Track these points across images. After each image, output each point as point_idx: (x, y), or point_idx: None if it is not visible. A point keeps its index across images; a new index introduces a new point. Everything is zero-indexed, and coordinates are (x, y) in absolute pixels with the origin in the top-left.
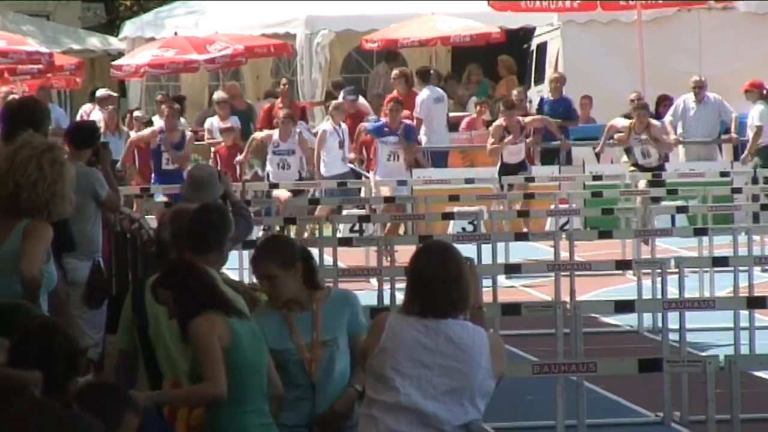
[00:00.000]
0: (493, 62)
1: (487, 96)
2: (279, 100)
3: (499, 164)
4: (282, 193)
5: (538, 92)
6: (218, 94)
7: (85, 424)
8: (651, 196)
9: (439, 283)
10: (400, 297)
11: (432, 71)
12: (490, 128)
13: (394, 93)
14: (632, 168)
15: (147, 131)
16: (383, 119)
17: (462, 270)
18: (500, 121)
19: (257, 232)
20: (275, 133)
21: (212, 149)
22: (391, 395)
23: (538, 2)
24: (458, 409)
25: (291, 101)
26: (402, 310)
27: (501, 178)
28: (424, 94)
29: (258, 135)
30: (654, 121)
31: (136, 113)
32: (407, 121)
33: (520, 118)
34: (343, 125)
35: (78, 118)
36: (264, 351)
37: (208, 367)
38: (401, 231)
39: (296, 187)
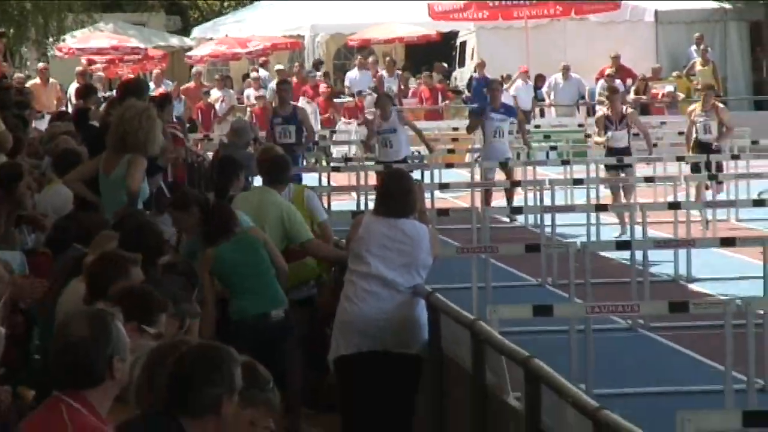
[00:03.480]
0: (431, 54)
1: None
2: (295, 77)
3: (605, 150)
4: None
5: (460, 73)
6: (253, 74)
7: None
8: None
9: (397, 195)
10: (370, 204)
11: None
12: (595, 119)
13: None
14: (693, 147)
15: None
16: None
17: (412, 187)
18: (603, 111)
19: None
20: (377, 117)
21: (249, 109)
22: (365, 267)
23: (460, 14)
24: (408, 276)
25: (304, 78)
26: (373, 212)
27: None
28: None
29: None
30: (721, 104)
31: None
32: (506, 102)
33: (625, 107)
34: None
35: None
36: (256, 252)
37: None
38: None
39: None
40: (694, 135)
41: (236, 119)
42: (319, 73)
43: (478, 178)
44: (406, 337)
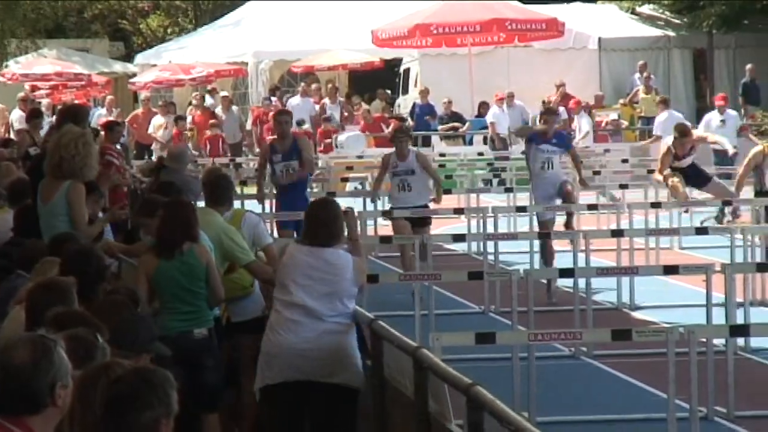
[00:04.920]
0: (374, 81)
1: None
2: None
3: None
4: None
5: (404, 100)
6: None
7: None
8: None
9: (321, 224)
10: None
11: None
12: (660, 156)
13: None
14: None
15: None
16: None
17: (337, 216)
18: (669, 146)
19: None
20: (392, 155)
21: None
22: (288, 295)
23: (404, 41)
24: (331, 305)
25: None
26: (299, 240)
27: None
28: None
29: None
30: None
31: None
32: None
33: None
34: None
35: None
36: (195, 275)
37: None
38: (316, 189)
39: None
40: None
41: (171, 145)
42: (275, 99)
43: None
44: (331, 367)
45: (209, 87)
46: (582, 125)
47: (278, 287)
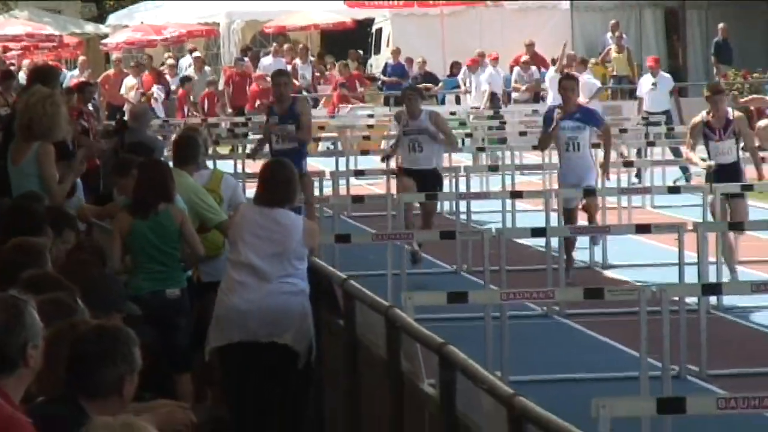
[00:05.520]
0: (346, 41)
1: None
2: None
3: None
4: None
5: (376, 60)
6: (169, 61)
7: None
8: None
9: (273, 185)
10: None
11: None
12: (689, 127)
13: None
14: None
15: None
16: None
17: (290, 177)
18: (702, 116)
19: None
20: (403, 112)
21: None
22: (236, 255)
23: (376, 2)
24: (279, 266)
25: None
26: (252, 200)
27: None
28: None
29: None
30: None
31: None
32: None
33: (729, 109)
34: None
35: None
36: (168, 236)
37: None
38: None
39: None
40: None
41: (135, 104)
42: (247, 59)
43: (393, 164)
44: (274, 327)
45: (189, 47)
46: (480, 83)
47: (230, 247)
